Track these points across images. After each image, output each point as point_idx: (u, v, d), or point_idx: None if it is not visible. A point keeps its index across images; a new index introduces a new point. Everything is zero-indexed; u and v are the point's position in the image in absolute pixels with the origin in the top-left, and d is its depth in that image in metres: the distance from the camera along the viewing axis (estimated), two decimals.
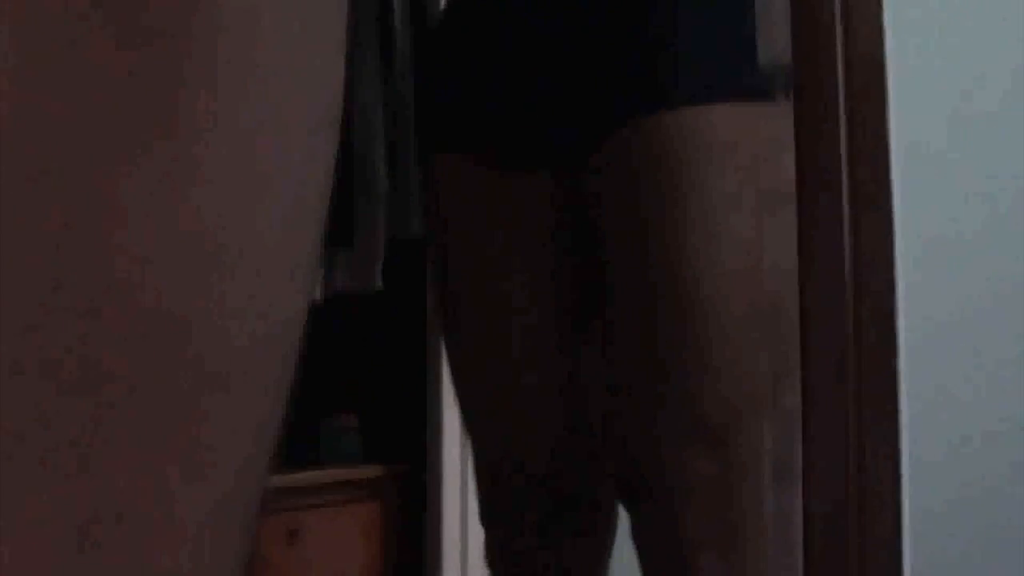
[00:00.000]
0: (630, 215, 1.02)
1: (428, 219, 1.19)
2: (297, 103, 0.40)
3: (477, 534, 1.29)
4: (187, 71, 0.35)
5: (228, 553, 0.38)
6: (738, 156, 0.99)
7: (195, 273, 0.34)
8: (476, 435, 1.16)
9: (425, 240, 1.19)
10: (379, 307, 1.57)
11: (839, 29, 0.95)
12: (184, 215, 0.35)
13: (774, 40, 0.99)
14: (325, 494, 1.79)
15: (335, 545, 1.78)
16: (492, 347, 1.13)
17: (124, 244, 0.33)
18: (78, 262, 0.33)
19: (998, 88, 0.94)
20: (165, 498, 0.34)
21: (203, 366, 0.35)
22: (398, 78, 1.41)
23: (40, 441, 0.32)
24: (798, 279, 0.99)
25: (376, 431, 1.85)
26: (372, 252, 1.45)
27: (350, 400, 1.85)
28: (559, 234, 1.10)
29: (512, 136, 1.09)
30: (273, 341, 0.39)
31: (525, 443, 1.12)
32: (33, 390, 0.32)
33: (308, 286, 0.42)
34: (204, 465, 0.36)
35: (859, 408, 0.96)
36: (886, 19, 0.94)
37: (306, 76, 0.40)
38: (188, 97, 0.36)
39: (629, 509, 1.05)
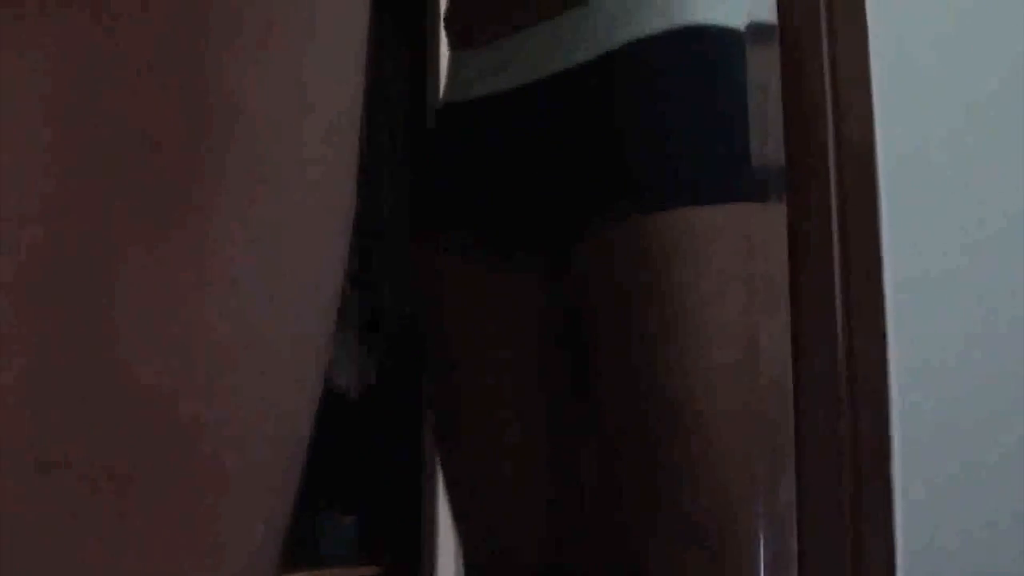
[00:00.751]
0: (616, 312, 1.02)
1: (420, 315, 1.19)
2: (312, 205, 0.40)
3: None
4: (202, 170, 0.36)
5: None
6: (728, 255, 1.00)
7: (208, 375, 0.35)
8: (466, 530, 1.16)
9: (419, 336, 1.19)
10: (375, 405, 1.57)
11: (831, 130, 0.96)
12: (198, 316, 0.35)
13: (768, 141, 1.01)
14: None
15: None
16: (481, 443, 1.13)
17: (139, 346, 0.34)
18: (94, 365, 0.33)
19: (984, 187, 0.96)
20: None
21: (216, 465, 0.35)
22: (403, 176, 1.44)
23: (66, 534, 0.32)
24: (792, 380, 0.98)
25: (373, 530, 1.84)
26: (373, 351, 1.46)
27: (347, 499, 1.85)
28: (546, 327, 1.11)
29: (500, 228, 1.10)
30: (283, 440, 0.39)
31: (516, 538, 1.11)
32: (60, 487, 0.32)
33: (317, 386, 0.42)
34: (217, 560, 0.36)
35: (854, 504, 0.95)
36: (877, 117, 0.95)
37: (322, 179, 0.41)
38: (202, 196, 0.36)
39: None
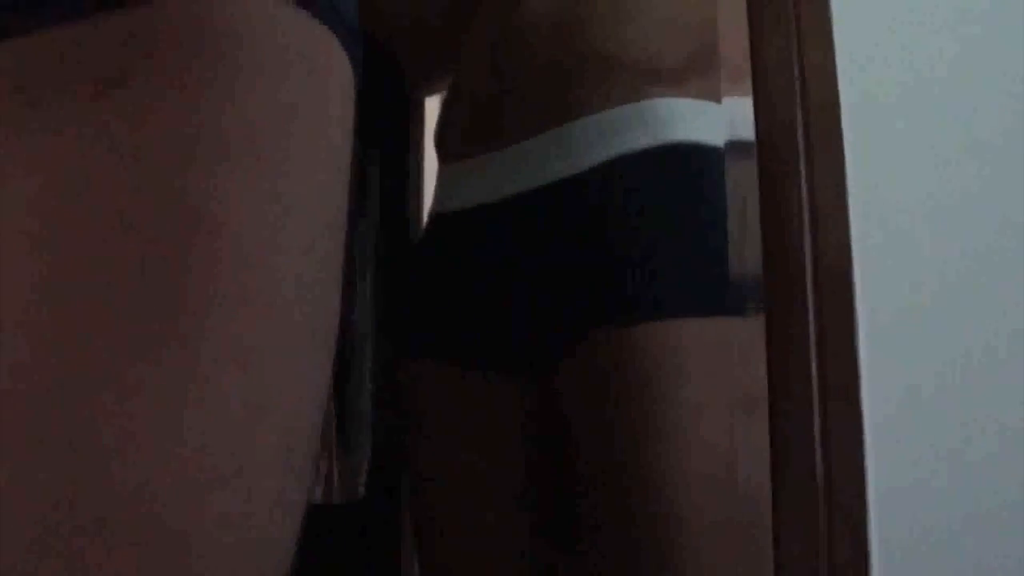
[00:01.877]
0: (599, 421, 1.02)
1: (404, 428, 1.20)
2: (296, 321, 0.41)
3: None
4: (189, 291, 0.37)
5: None
6: (707, 369, 1.00)
7: (194, 490, 0.35)
8: None
9: (403, 449, 1.19)
10: (356, 517, 1.55)
11: (807, 246, 0.98)
12: (186, 434, 0.36)
13: (746, 254, 1.02)
14: None
15: None
16: (461, 555, 1.12)
17: (128, 462, 0.34)
18: (85, 481, 0.34)
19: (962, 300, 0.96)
20: None
21: None
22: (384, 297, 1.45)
23: None
24: (771, 492, 0.98)
25: None
26: (357, 464, 1.45)
27: None
28: (528, 439, 1.11)
29: (485, 342, 1.11)
30: (266, 553, 0.39)
31: None
32: None
33: (301, 503, 0.42)
34: None
35: None
36: (853, 232, 0.96)
37: (306, 299, 0.42)
38: (189, 317, 0.37)
39: None
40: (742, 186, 1.01)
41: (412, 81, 1.49)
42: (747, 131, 1.00)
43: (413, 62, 1.44)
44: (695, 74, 1.11)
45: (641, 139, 1.08)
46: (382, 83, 1.48)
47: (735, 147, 1.04)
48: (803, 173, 0.97)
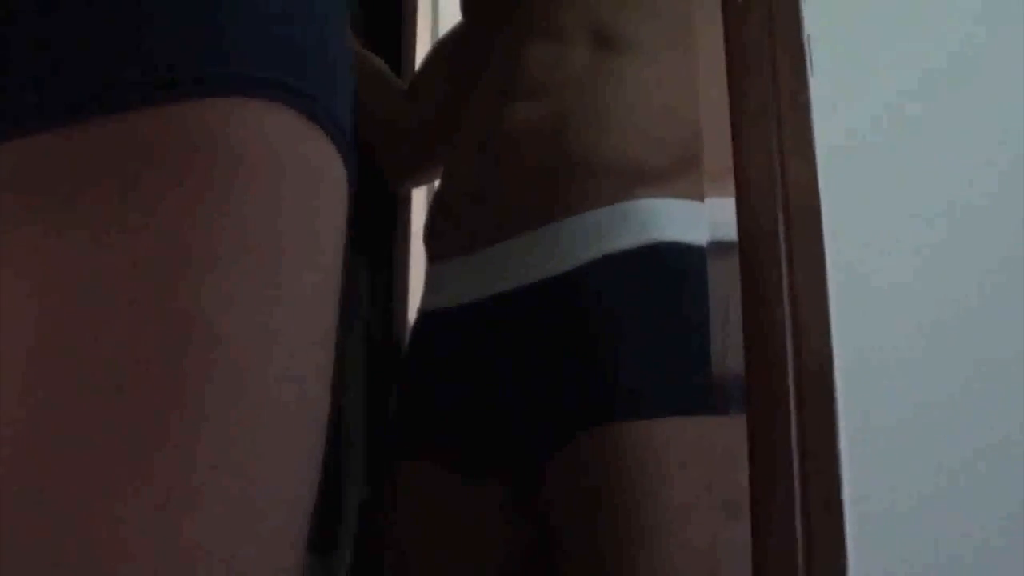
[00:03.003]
0: (584, 527, 1.01)
1: (387, 527, 1.18)
2: (290, 432, 0.41)
3: None
4: (182, 397, 0.37)
5: None
6: (690, 469, 1.00)
7: None
8: None
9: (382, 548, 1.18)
10: None
11: (789, 346, 0.98)
12: (179, 541, 0.36)
13: (728, 354, 1.02)
14: None
15: None
16: None
17: (120, 569, 0.34)
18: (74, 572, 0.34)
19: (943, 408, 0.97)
20: None
21: None
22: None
23: None
24: None
25: None
26: (337, 563, 1.44)
27: None
28: (514, 543, 1.10)
29: (469, 442, 1.10)
30: None
31: None
32: None
33: None
34: None
35: None
36: (834, 336, 0.97)
37: (299, 406, 0.42)
38: (182, 422, 0.37)
39: None
40: (724, 286, 1.02)
41: (393, 181, 1.52)
42: (730, 232, 1.01)
43: (395, 162, 1.46)
44: (679, 174, 1.13)
45: (625, 239, 1.10)
46: (369, 179, 1.50)
47: (718, 247, 1.05)
48: (785, 278, 0.98)
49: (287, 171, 0.45)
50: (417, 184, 1.58)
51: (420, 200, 1.63)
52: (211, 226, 0.41)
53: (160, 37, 0.43)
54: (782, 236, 1.00)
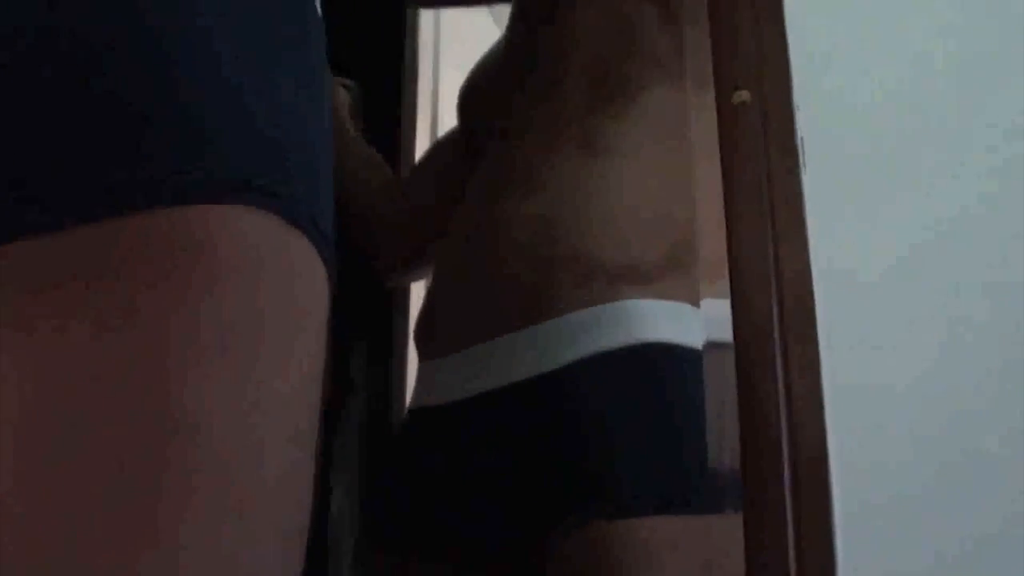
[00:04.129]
0: None
1: None
2: (271, 527, 0.42)
3: None
4: (167, 489, 0.38)
5: None
6: (683, 568, 0.99)
7: None
8: None
9: None
10: None
11: (785, 446, 0.98)
12: None
13: (725, 453, 1.02)
14: None
15: None
16: None
17: None
18: None
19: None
20: None
21: None
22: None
23: None
24: None
25: None
26: None
27: None
28: None
29: (457, 538, 1.10)
30: None
31: None
32: None
33: None
34: None
35: None
36: (829, 432, 0.97)
37: (280, 500, 0.43)
38: (167, 514, 0.38)
39: None
40: (720, 387, 1.03)
41: (383, 276, 1.53)
42: (726, 333, 1.02)
43: (385, 257, 1.48)
44: (670, 274, 1.14)
45: (611, 340, 1.10)
46: (366, 272, 1.52)
47: (714, 348, 1.06)
48: (780, 372, 0.99)
49: (267, 274, 0.46)
50: (409, 279, 1.59)
51: (419, 290, 1.64)
52: (193, 327, 0.42)
53: (142, 142, 0.44)
54: (776, 329, 1.01)
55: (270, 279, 0.47)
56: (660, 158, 1.21)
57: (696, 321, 1.13)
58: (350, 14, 1.65)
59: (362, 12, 1.69)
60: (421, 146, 1.69)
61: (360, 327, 1.55)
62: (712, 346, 1.05)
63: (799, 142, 1.05)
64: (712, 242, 1.06)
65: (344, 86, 1.62)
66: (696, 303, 1.16)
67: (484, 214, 1.21)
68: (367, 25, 1.68)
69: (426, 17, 1.82)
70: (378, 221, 1.44)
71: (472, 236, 1.22)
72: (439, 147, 1.51)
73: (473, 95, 1.43)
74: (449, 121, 1.54)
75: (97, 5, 0.44)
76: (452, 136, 1.48)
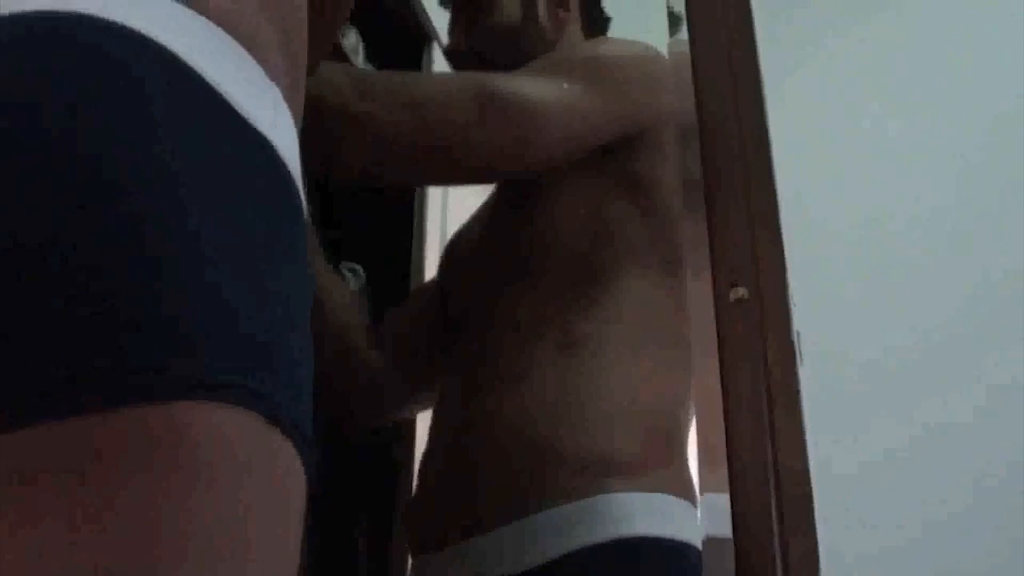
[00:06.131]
0: None
1: None
2: None
3: None
4: None
5: None
6: None
7: None
8: None
9: None
10: None
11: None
12: None
13: None
14: None
15: None
16: None
17: None
18: None
19: None
20: None
21: None
22: None
23: None
24: None
25: None
26: None
27: None
28: None
29: None
30: None
31: None
32: None
33: None
34: None
35: None
36: None
37: None
38: None
39: None
40: None
41: (351, 424, 1.52)
42: (724, 527, 1.02)
43: (358, 408, 1.47)
44: (655, 468, 1.15)
45: (596, 534, 1.10)
46: (370, 442, 1.52)
47: (714, 544, 1.06)
48: (779, 568, 0.99)
49: (247, 473, 0.47)
50: (385, 423, 1.58)
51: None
52: (173, 526, 0.42)
53: (124, 338, 0.44)
54: (775, 521, 1.01)
55: (250, 478, 0.47)
56: (639, 350, 1.23)
57: (683, 512, 1.13)
58: (358, 201, 1.70)
59: (370, 199, 1.74)
60: (432, 259, 1.69)
61: (361, 496, 1.55)
62: (713, 542, 1.05)
63: (796, 337, 1.07)
64: (710, 432, 1.07)
65: (351, 271, 1.65)
66: (683, 493, 1.17)
67: (469, 407, 1.23)
68: (375, 211, 1.72)
69: (433, 200, 1.86)
70: (349, 376, 1.44)
71: (453, 431, 1.24)
72: (414, 299, 1.54)
73: (454, 258, 1.47)
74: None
75: (79, 200, 0.45)
76: (427, 293, 1.51)
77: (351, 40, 1.64)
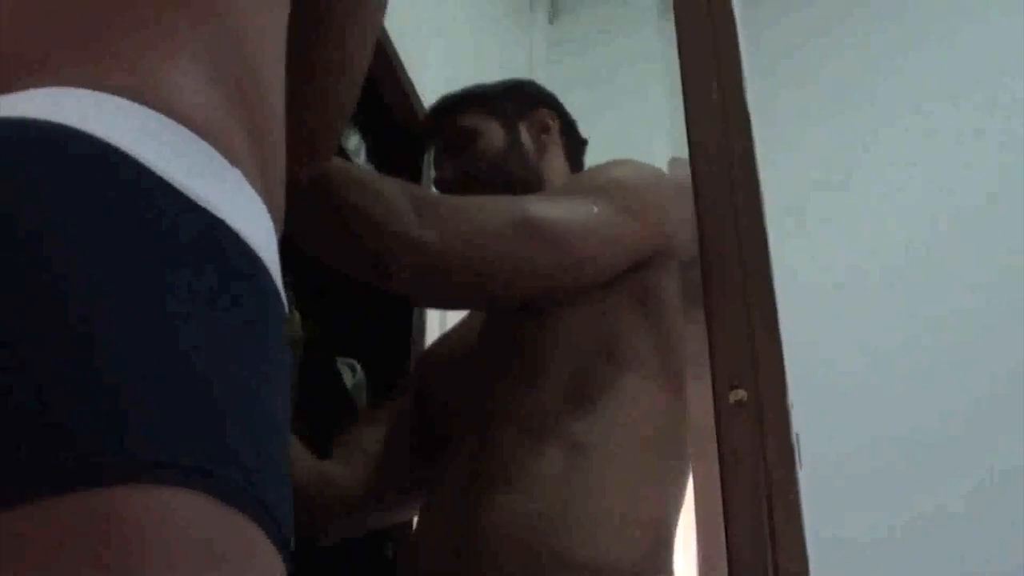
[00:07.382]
0: None
1: None
2: None
3: None
4: None
5: None
6: None
7: None
8: None
9: None
10: None
11: None
12: None
13: None
14: None
15: None
16: None
17: None
18: None
19: None
20: None
21: None
22: None
23: None
24: None
25: None
26: None
27: None
28: None
29: None
30: None
31: None
32: None
33: None
34: None
35: None
36: None
37: None
38: None
39: None
40: None
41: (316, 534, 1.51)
42: None
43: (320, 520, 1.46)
44: (651, 573, 1.16)
45: None
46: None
47: None
48: None
49: (217, 563, 0.45)
50: (356, 533, 1.56)
51: None
52: None
53: (83, 422, 0.44)
54: None
55: (224, 570, 0.46)
56: (641, 458, 1.24)
57: None
58: (356, 296, 1.71)
59: (368, 293, 1.75)
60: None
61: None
62: None
63: (795, 439, 1.08)
64: (709, 535, 1.07)
65: (349, 367, 1.66)
66: None
67: (469, 502, 1.23)
68: (373, 306, 1.73)
69: None
70: (317, 495, 1.43)
71: (457, 526, 1.23)
72: (378, 411, 1.54)
73: (440, 363, 1.48)
74: None
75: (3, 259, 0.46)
76: (397, 404, 1.51)
77: (353, 142, 1.67)
